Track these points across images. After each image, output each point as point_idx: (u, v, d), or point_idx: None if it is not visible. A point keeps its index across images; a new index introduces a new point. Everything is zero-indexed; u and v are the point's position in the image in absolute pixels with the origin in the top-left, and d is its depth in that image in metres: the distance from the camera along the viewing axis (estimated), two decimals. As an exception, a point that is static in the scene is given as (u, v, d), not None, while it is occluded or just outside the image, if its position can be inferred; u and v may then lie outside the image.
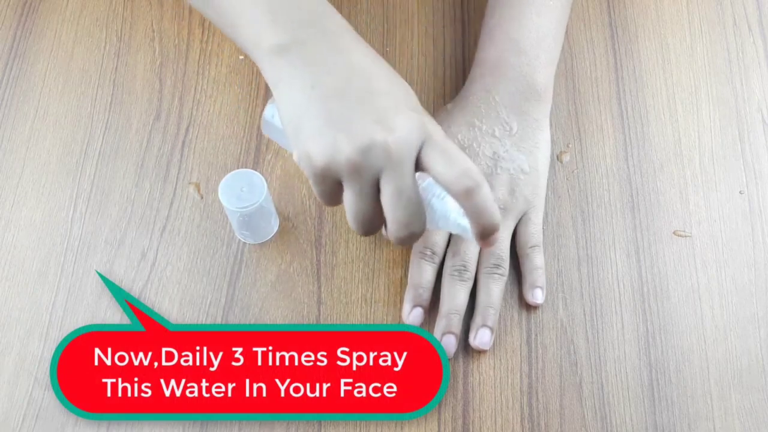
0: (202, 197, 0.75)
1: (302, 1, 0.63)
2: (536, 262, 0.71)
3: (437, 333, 0.68)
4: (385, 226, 0.61)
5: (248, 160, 0.77)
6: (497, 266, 0.69)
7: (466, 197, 0.58)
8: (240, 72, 0.81)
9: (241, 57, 0.81)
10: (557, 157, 0.76)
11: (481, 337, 0.68)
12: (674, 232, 0.73)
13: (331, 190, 0.60)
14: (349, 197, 0.59)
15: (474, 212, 0.59)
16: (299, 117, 0.59)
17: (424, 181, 0.62)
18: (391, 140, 0.57)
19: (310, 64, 0.60)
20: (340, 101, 0.59)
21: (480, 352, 0.69)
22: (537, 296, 0.70)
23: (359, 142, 0.57)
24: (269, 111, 0.66)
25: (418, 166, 0.59)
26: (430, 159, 0.58)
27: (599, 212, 0.74)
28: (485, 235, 0.60)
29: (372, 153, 0.57)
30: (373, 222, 0.61)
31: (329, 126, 0.58)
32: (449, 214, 0.61)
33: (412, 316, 0.69)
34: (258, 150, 0.77)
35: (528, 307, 0.70)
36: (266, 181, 0.69)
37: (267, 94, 0.79)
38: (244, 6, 0.63)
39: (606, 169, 0.76)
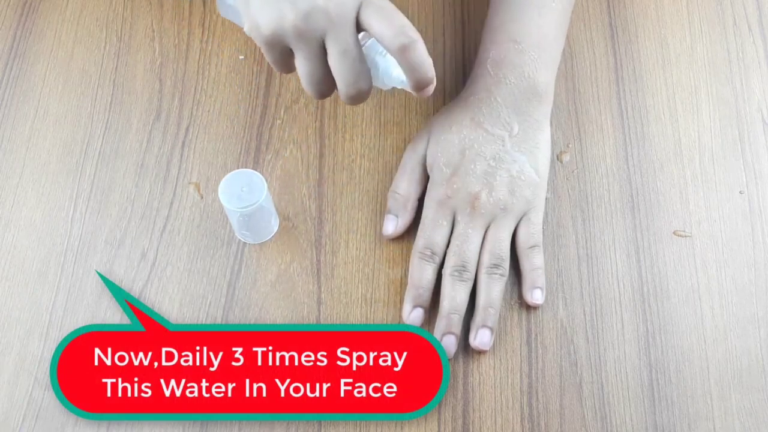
0: (202, 197, 0.75)
1: None
2: (536, 262, 0.71)
3: (437, 333, 0.68)
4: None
5: (248, 160, 0.77)
6: (497, 266, 0.69)
7: (401, 53, 0.62)
8: (240, 72, 0.81)
9: (241, 57, 0.81)
10: (557, 157, 0.76)
11: (481, 338, 0.68)
12: (674, 232, 0.73)
13: (282, 57, 0.65)
14: (299, 62, 0.65)
15: (409, 67, 0.63)
16: None
17: (368, 40, 0.66)
18: (331, 4, 0.62)
19: None
20: None
21: (480, 352, 0.69)
22: (537, 296, 0.70)
23: (301, 8, 0.62)
24: None
25: (360, 26, 0.63)
26: (368, 18, 0.63)
27: (599, 212, 0.74)
28: (420, 87, 0.64)
29: (314, 17, 0.62)
30: (324, 83, 0.65)
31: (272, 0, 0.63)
32: (391, 70, 0.66)
33: (412, 316, 0.69)
34: (258, 150, 0.77)
35: (528, 307, 0.70)
36: (266, 181, 0.69)
37: (267, 92, 0.79)
38: None
39: (606, 169, 0.76)
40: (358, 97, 0.65)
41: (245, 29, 0.65)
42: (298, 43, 0.63)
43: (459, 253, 0.70)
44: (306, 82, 0.65)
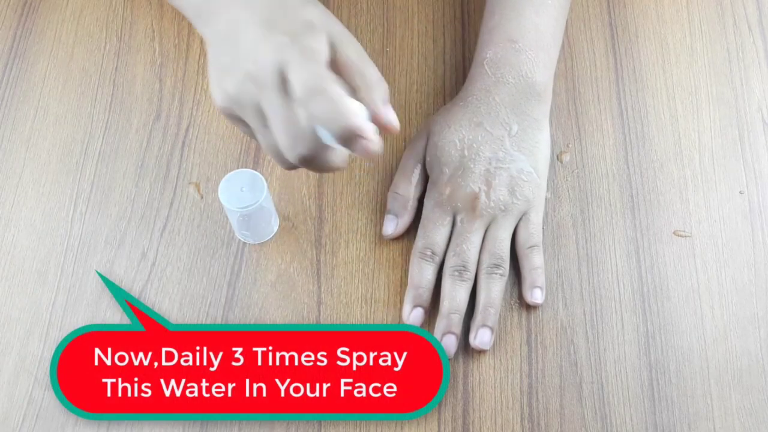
0: (202, 197, 0.75)
1: None
2: (535, 262, 0.71)
3: (438, 333, 0.68)
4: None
5: (248, 160, 0.77)
6: (497, 266, 0.69)
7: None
8: (240, 72, 0.80)
9: (241, 57, 0.81)
10: (557, 157, 0.76)
11: (481, 337, 0.68)
12: (674, 232, 0.73)
13: (247, 129, 0.63)
14: (255, 135, 0.63)
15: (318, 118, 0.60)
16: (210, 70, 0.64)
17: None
18: (252, 67, 0.59)
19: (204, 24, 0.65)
20: (221, 51, 0.62)
21: (480, 352, 0.69)
22: (536, 296, 0.70)
23: (233, 80, 0.60)
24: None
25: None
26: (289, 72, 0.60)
27: (599, 212, 0.74)
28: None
29: (244, 86, 0.60)
30: (279, 154, 0.62)
31: (217, 74, 0.62)
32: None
33: (412, 316, 0.69)
34: (258, 150, 0.77)
35: (528, 307, 0.70)
36: (266, 181, 0.69)
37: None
38: None
39: (606, 169, 0.76)
40: (308, 162, 0.61)
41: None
42: (243, 115, 0.61)
43: (459, 253, 0.70)
44: (267, 152, 0.63)
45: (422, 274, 0.70)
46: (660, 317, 0.70)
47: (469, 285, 0.69)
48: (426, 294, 0.69)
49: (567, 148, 0.77)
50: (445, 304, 0.69)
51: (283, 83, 0.59)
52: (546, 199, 0.73)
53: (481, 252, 0.70)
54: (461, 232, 0.70)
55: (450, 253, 0.70)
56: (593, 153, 0.77)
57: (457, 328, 0.68)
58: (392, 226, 0.72)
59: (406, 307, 0.69)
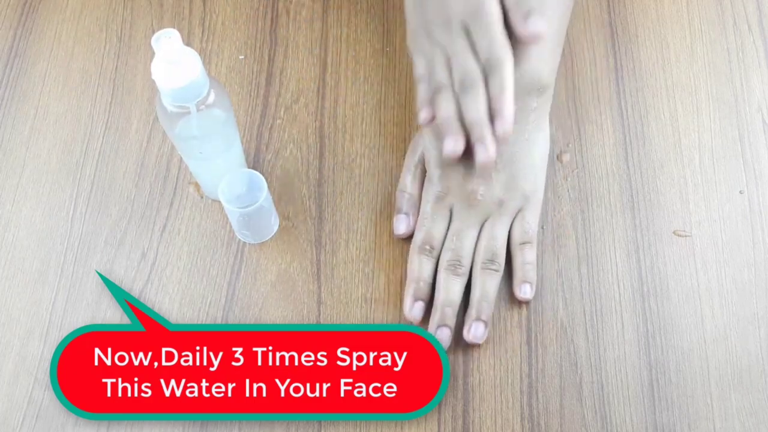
0: (202, 197, 0.75)
1: None
2: (527, 257, 0.71)
3: (432, 326, 0.68)
4: None
5: (248, 160, 0.77)
6: (492, 261, 0.69)
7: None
8: (240, 72, 0.81)
9: (241, 57, 0.81)
10: (557, 157, 0.76)
11: (474, 331, 0.68)
12: (674, 232, 0.73)
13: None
14: None
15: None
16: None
17: None
18: None
19: None
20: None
21: (480, 352, 0.69)
22: (525, 291, 0.70)
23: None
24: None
25: None
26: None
27: (599, 212, 0.74)
28: None
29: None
30: None
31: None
32: None
33: (414, 310, 0.69)
34: (258, 150, 0.77)
35: (528, 307, 0.70)
36: (266, 181, 0.69)
37: (267, 92, 0.79)
38: None
39: (606, 169, 0.76)
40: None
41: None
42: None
43: (454, 249, 0.70)
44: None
45: (422, 268, 0.70)
46: (660, 317, 0.70)
47: (463, 280, 0.70)
48: (426, 288, 0.70)
49: (567, 147, 0.77)
50: (439, 297, 0.69)
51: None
52: (546, 199, 0.73)
53: (476, 248, 0.70)
54: (457, 228, 0.70)
55: (445, 249, 0.70)
56: (593, 153, 0.77)
57: (451, 321, 0.68)
58: (404, 225, 0.72)
59: (407, 300, 0.69)
